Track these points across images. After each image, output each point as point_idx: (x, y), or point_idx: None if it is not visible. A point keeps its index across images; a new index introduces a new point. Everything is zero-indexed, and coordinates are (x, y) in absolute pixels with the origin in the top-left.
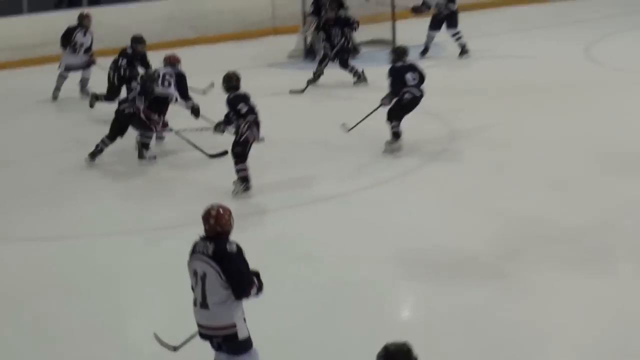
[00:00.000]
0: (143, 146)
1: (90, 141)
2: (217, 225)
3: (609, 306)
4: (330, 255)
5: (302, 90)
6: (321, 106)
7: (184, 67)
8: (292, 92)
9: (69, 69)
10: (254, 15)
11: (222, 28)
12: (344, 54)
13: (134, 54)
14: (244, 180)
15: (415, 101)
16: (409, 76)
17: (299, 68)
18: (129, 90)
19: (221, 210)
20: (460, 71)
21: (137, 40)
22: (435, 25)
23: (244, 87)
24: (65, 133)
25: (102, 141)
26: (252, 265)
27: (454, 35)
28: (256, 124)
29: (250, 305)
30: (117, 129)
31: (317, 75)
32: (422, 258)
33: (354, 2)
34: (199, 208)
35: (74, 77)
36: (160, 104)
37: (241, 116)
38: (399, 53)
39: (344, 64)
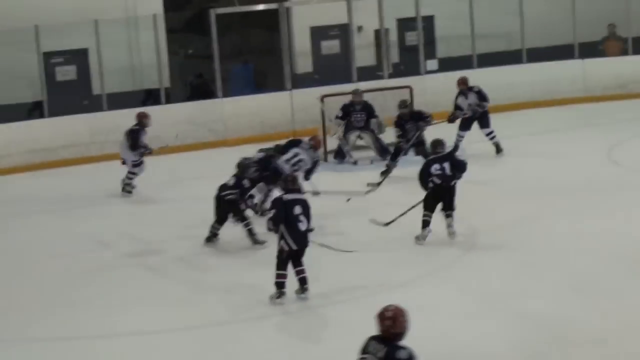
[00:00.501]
0: (250, 233)
1: (111, 243)
2: (393, 327)
3: None
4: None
5: (378, 184)
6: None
7: (203, 170)
8: (369, 185)
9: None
10: (273, 118)
11: (241, 131)
12: (423, 147)
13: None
14: (277, 287)
15: (438, 189)
16: (434, 167)
17: (321, 170)
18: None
19: (398, 311)
20: (484, 170)
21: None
22: (465, 126)
23: None
24: (85, 235)
25: (213, 227)
26: None
27: (488, 134)
28: (290, 231)
29: None
30: (221, 213)
31: (389, 168)
32: None
33: (373, 105)
34: (224, 312)
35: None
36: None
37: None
38: (432, 145)
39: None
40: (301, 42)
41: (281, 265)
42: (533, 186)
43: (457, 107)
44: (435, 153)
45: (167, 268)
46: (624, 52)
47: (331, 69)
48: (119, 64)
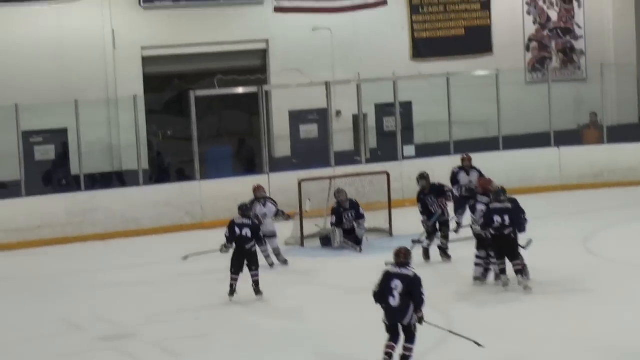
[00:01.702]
0: (257, 283)
1: (83, 325)
2: None
3: None
4: None
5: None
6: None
7: (179, 253)
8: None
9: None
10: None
11: (218, 214)
12: (444, 228)
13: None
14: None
15: (497, 238)
16: (496, 218)
17: (296, 254)
18: None
19: None
20: (460, 254)
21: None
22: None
23: None
24: (57, 317)
25: (232, 278)
26: None
27: None
28: (384, 304)
29: None
30: (240, 263)
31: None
32: None
33: (350, 190)
34: None
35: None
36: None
37: None
38: (495, 194)
39: (446, 238)
40: (280, 125)
41: (388, 336)
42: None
43: (455, 183)
44: (499, 202)
45: (141, 353)
46: (599, 141)
47: (309, 153)
48: (98, 144)
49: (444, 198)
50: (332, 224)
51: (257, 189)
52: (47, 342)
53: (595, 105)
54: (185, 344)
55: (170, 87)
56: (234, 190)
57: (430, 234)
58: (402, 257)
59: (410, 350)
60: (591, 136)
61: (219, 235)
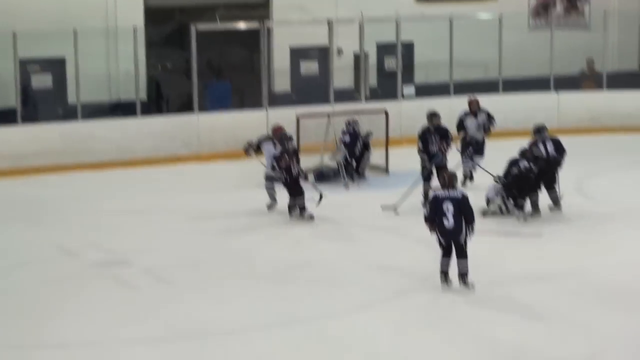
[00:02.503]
0: (302, 209)
1: (77, 252)
2: None
3: None
4: None
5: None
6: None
7: (174, 184)
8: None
9: (269, 179)
10: (248, 135)
11: (215, 147)
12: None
13: None
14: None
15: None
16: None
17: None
18: None
19: None
20: None
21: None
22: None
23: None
24: (51, 243)
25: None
26: None
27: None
28: (438, 227)
29: None
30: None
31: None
32: None
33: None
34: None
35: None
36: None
37: None
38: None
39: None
40: (280, 61)
41: (442, 256)
42: (501, 215)
43: (461, 129)
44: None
45: (132, 279)
46: (596, 87)
47: (309, 89)
48: (96, 74)
49: (446, 142)
50: (344, 142)
51: (274, 130)
52: (41, 268)
53: (596, 53)
54: (180, 272)
55: (171, 20)
56: (231, 123)
57: (427, 178)
58: (448, 180)
59: (465, 264)
60: (588, 85)
61: (215, 168)
